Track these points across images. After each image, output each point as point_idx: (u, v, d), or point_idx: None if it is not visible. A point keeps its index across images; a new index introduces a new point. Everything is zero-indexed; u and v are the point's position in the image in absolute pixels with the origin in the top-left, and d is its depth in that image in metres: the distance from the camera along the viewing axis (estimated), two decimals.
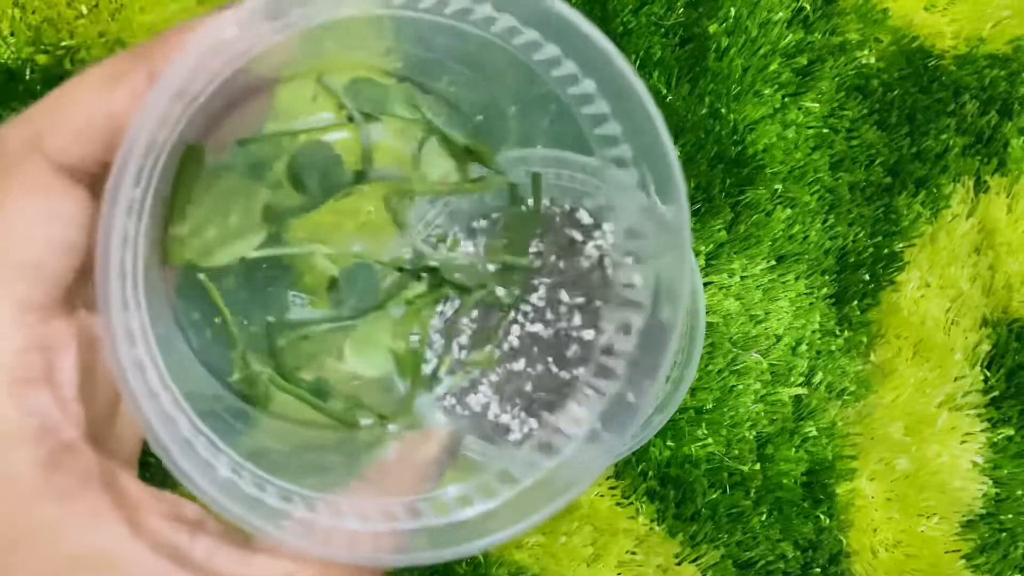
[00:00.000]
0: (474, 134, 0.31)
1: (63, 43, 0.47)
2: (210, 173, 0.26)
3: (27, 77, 0.47)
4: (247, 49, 0.22)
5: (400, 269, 0.29)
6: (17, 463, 0.21)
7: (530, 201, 0.32)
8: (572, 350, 0.44)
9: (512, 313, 0.31)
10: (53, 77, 0.46)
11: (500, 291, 0.31)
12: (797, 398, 0.48)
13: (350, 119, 0.29)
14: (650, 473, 0.47)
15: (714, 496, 0.47)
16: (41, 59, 0.47)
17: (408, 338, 0.30)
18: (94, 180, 0.22)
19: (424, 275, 0.30)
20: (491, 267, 0.31)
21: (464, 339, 0.31)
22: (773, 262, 0.49)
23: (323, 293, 0.29)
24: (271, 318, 0.27)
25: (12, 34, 0.47)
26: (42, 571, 0.21)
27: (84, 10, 0.47)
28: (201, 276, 0.27)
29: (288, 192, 0.27)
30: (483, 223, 0.46)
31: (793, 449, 0.47)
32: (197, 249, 0.26)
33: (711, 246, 0.48)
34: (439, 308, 0.31)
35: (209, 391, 0.27)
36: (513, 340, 0.44)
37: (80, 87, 0.24)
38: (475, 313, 0.31)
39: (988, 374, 0.49)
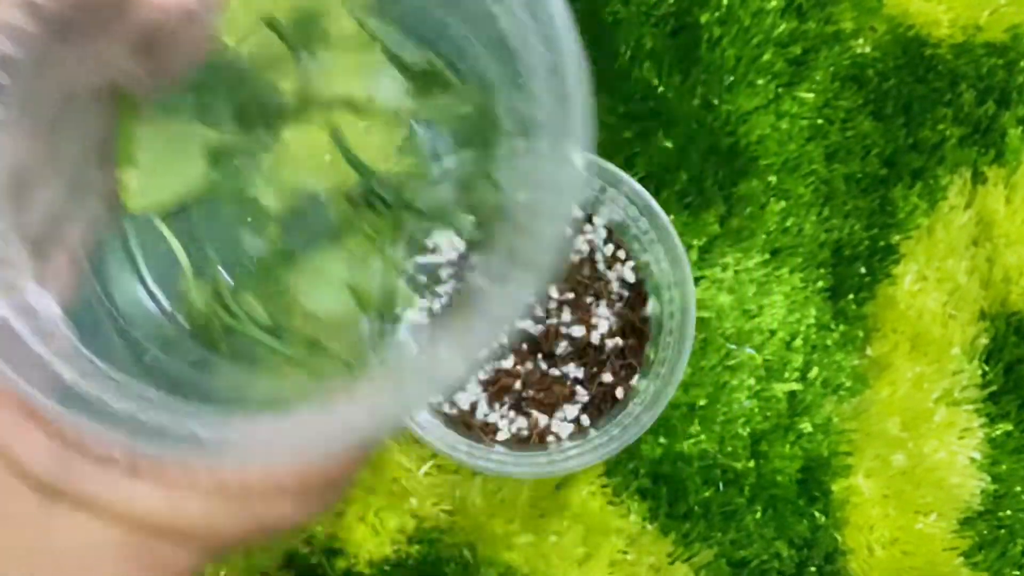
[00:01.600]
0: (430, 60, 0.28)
1: None
2: (152, 116, 0.26)
3: None
4: None
5: (350, 200, 0.28)
6: None
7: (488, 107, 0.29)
8: (561, 347, 0.43)
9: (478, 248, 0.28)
10: None
11: (466, 221, 0.28)
12: (792, 394, 0.47)
13: (293, 48, 0.27)
14: (642, 471, 0.46)
15: (707, 494, 0.46)
16: None
17: (368, 273, 0.28)
18: None
19: (379, 205, 0.28)
20: (454, 193, 0.28)
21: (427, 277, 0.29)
22: (767, 255, 0.48)
23: (274, 230, 0.28)
24: (223, 257, 0.27)
25: None
26: None
27: None
28: (155, 220, 0.26)
29: (233, 129, 0.27)
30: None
31: (788, 446, 0.47)
32: (149, 195, 0.26)
33: (704, 239, 0.48)
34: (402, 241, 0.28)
35: (164, 333, 0.26)
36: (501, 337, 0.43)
37: None
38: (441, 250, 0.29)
39: (986, 368, 0.48)
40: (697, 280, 0.48)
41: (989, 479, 0.48)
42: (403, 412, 0.21)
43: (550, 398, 0.43)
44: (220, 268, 0.27)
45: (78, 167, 0.25)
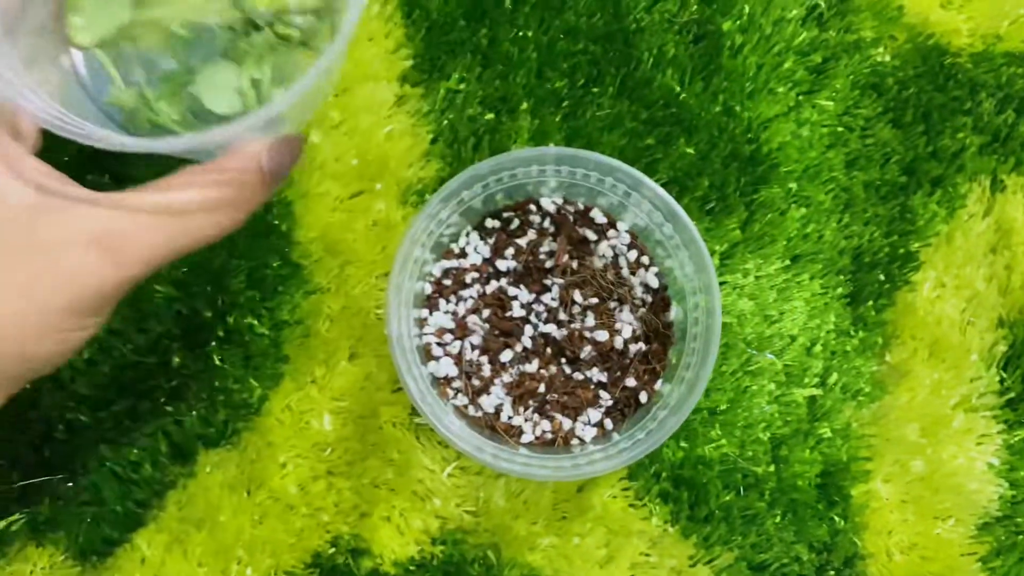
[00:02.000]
0: None
1: None
2: None
3: None
4: None
5: (233, 29, 0.39)
6: None
7: None
8: (585, 351, 0.44)
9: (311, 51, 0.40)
10: None
11: (316, 40, 0.40)
12: (812, 399, 0.48)
13: None
14: (663, 474, 0.47)
15: (728, 498, 0.47)
16: None
17: (251, 80, 0.38)
18: None
19: (254, 31, 0.39)
20: (303, 18, 0.39)
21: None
22: (788, 262, 0.49)
23: (180, 51, 0.39)
24: (147, 73, 0.39)
25: None
26: None
27: None
28: (96, 49, 0.38)
29: None
30: (495, 222, 0.46)
31: (807, 450, 0.47)
32: (91, 31, 0.38)
33: (725, 245, 0.48)
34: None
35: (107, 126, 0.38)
36: (526, 341, 0.44)
37: None
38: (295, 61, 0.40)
39: (1004, 375, 0.49)
40: (719, 285, 0.48)
41: (1007, 485, 0.48)
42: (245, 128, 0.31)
43: (574, 402, 0.44)
44: (143, 82, 0.39)
45: (44, 18, 0.37)
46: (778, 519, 0.47)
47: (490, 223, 0.46)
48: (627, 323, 0.45)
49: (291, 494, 0.46)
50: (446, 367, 0.44)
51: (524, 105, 0.49)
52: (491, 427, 0.44)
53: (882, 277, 0.49)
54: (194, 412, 0.46)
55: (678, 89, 0.49)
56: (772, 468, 0.47)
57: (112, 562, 0.46)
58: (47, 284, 0.30)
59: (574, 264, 0.45)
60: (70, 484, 0.46)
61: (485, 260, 0.45)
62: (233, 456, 0.47)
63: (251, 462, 0.46)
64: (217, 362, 0.46)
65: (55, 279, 0.30)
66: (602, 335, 0.44)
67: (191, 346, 0.47)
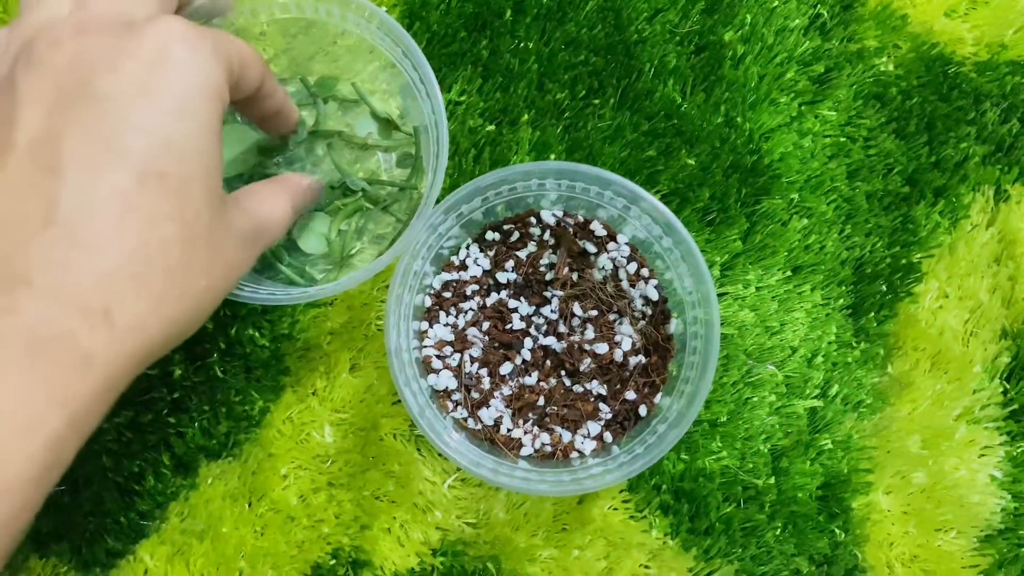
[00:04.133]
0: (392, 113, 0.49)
1: None
2: (234, 126, 0.46)
3: None
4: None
5: (333, 188, 0.47)
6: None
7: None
8: (585, 364, 0.44)
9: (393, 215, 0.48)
10: None
11: (395, 207, 0.48)
12: (812, 410, 0.48)
13: (314, 96, 0.48)
14: (664, 487, 0.47)
15: (728, 510, 0.47)
16: None
17: (338, 231, 0.47)
18: None
19: (349, 193, 0.47)
20: (388, 189, 0.47)
21: (367, 236, 0.48)
22: (789, 272, 0.49)
23: None
24: None
25: None
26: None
27: None
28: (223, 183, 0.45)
29: (273, 138, 0.46)
30: (496, 235, 0.46)
31: (808, 462, 0.48)
32: (224, 168, 0.43)
33: (726, 256, 0.49)
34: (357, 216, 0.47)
35: None
36: (526, 353, 0.45)
37: None
38: (373, 222, 0.48)
39: (1007, 386, 0.49)
40: (719, 297, 0.49)
41: (1009, 497, 0.49)
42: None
43: (573, 414, 0.44)
44: None
45: None
46: (778, 531, 0.47)
47: (490, 235, 0.46)
48: (627, 336, 0.45)
49: (292, 506, 0.47)
50: (446, 380, 0.44)
51: (525, 117, 0.49)
52: (491, 440, 0.44)
53: (884, 288, 0.50)
54: (196, 424, 0.47)
55: (679, 100, 0.50)
56: (772, 480, 0.48)
57: (115, 573, 0.47)
58: (236, 270, 0.33)
59: (574, 276, 0.46)
60: (73, 495, 0.47)
61: (485, 272, 0.46)
62: (234, 468, 0.47)
63: (252, 474, 0.47)
64: (219, 374, 0.47)
65: (241, 267, 0.34)
66: (602, 347, 0.45)
67: (193, 358, 0.47)
